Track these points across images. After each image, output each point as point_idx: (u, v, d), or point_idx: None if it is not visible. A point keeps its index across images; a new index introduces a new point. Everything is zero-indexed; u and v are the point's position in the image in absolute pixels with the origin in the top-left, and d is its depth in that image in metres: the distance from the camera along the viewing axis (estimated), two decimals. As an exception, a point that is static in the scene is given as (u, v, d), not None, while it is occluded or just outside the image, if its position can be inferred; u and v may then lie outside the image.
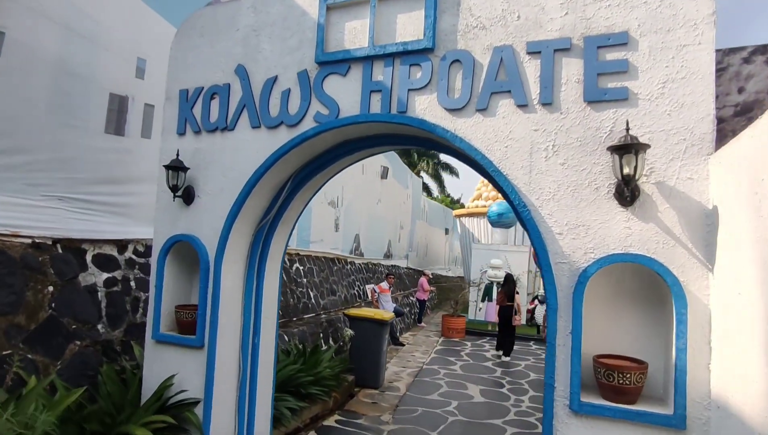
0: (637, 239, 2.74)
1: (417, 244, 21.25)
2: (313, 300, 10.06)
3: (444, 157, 41.31)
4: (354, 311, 9.10)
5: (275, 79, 3.88)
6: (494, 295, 14.98)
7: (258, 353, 4.35)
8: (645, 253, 2.71)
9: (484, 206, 20.78)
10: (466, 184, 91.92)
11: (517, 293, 12.62)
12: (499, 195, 20.61)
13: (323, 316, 9.86)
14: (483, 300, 15.16)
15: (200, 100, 4.21)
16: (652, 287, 2.89)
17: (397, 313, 12.37)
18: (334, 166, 4.18)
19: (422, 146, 3.72)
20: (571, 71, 2.95)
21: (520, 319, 12.83)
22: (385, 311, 9.46)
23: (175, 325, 4.24)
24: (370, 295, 12.65)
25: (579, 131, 2.91)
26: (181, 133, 4.27)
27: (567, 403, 2.79)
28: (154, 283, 4.23)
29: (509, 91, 3.09)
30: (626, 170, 2.60)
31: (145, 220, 5.63)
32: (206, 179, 4.12)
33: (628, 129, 2.68)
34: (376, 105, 3.49)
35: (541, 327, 14.70)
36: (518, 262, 16.44)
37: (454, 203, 42.87)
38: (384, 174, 15.57)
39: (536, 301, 15.14)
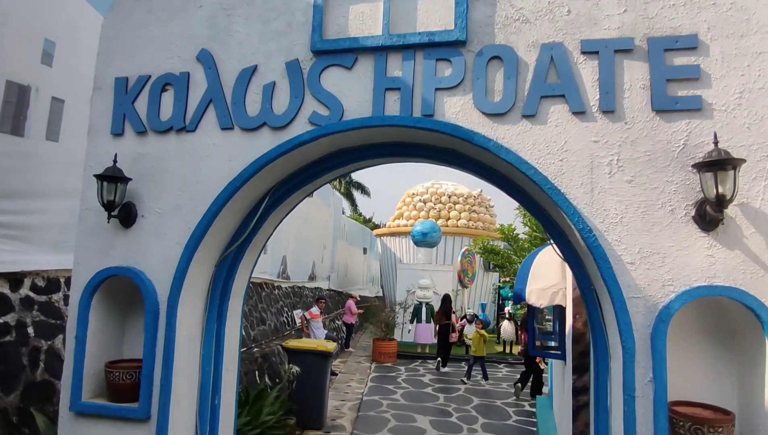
0: (722, 269, 2.36)
1: (338, 265, 20.45)
2: (243, 331, 8.88)
3: (355, 176, 41.13)
4: (293, 343, 8.13)
5: (254, 69, 3.06)
6: (423, 316, 14.67)
7: (218, 417, 3.38)
8: (732, 284, 2.34)
9: (406, 226, 20.63)
10: (376, 203, 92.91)
11: (454, 313, 12.75)
12: (420, 214, 20.62)
13: (256, 349, 8.73)
14: (412, 321, 14.75)
15: (146, 91, 3.23)
16: (718, 321, 2.55)
17: (330, 340, 11.48)
18: (321, 179, 3.42)
19: (441, 160, 3.11)
20: (635, 76, 2.56)
21: (457, 336, 13.06)
22: (328, 341, 8.59)
23: (106, 390, 3.13)
24: (299, 322, 11.63)
25: (647, 144, 2.51)
26: (118, 133, 3.24)
27: (651, 468, 2.31)
28: (73, 333, 3.10)
29: (563, 96, 2.62)
30: (722, 189, 2.22)
31: (48, 245, 4.35)
32: (155, 194, 3.13)
33: (716, 142, 2.32)
34: (393, 106, 2.83)
35: (471, 347, 14.58)
36: (443, 281, 16.38)
37: (366, 222, 42.83)
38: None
39: (465, 321, 15.08)
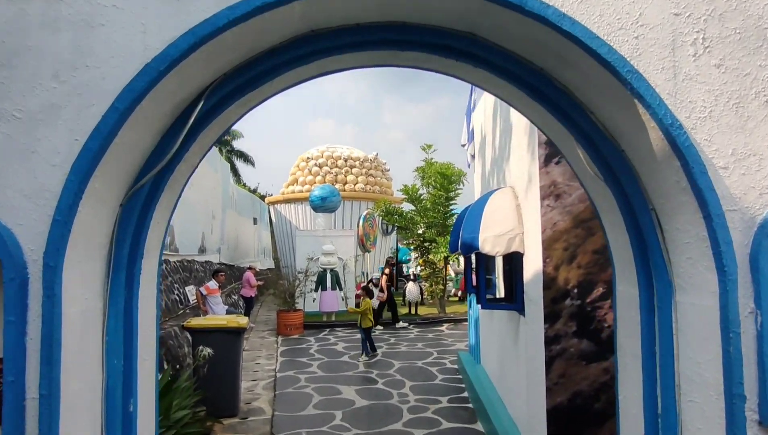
0: (821, 172, 1.93)
1: (228, 236, 18.68)
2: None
3: (238, 145, 38.41)
4: (198, 322, 6.87)
5: None
6: (328, 283, 13.91)
7: (135, 429, 2.28)
8: (834, 190, 1.92)
9: (302, 191, 19.46)
10: (261, 173, 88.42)
11: (370, 281, 12.46)
12: (317, 179, 19.56)
13: (148, 333, 7.24)
14: (316, 289, 13.91)
15: None
16: None
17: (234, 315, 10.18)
18: (280, 78, 2.37)
19: (452, 53, 2.25)
20: (718, -70, 1.97)
21: (384, 296, 12.78)
22: (238, 316, 7.40)
23: (-65, 414, 1.86)
24: (196, 298, 10.14)
25: (736, 19, 1.95)
26: (-77, -18, 1.87)
27: (756, 418, 1.84)
28: None
29: (635, -49, 1.95)
30: None
31: None
32: (8, 87, 1.86)
33: (834, 9, 1.84)
34: (405, -44, 1.93)
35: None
36: (345, 246, 15.75)
37: (252, 193, 40.52)
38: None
39: (370, 284, 14.62)
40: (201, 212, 14.03)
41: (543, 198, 4.18)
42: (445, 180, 13.37)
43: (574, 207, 4.15)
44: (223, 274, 10.39)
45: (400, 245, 24.11)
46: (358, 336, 12.10)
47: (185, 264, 12.09)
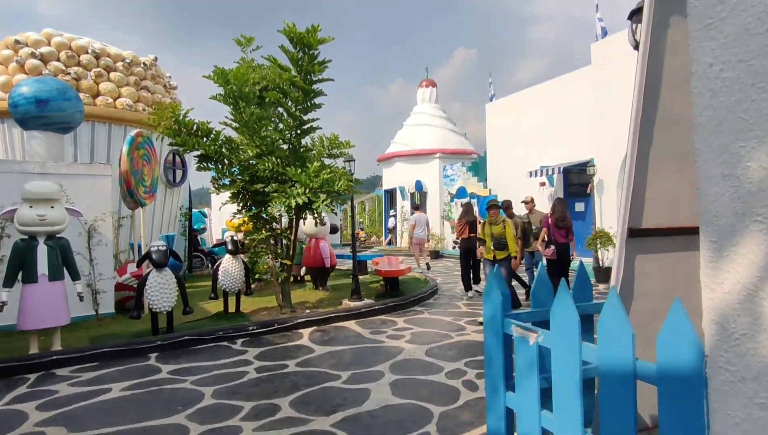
0: None
1: None
2: None
3: None
4: None
5: None
6: (40, 267, 5.95)
7: None
8: None
9: (2, 99, 10.00)
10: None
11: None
12: (28, 74, 10.26)
13: None
14: (7, 284, 5.80)
15: None
16: None
17: None
18: None
19: None
20: None
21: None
22: None
23: None
24: None
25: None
26: None
27: None
28: None
29: None
30: None
31: None
32: None
33: None
34: None
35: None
36: (93, 196, 7.87)
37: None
38: None
39: (148, 265, 7.09)
40: None
41: None
42: (305, 53, 6.73)
43: None
44: None
45: (195, 210, 16.26)
46: (123, 390, 4.80)
47: None
